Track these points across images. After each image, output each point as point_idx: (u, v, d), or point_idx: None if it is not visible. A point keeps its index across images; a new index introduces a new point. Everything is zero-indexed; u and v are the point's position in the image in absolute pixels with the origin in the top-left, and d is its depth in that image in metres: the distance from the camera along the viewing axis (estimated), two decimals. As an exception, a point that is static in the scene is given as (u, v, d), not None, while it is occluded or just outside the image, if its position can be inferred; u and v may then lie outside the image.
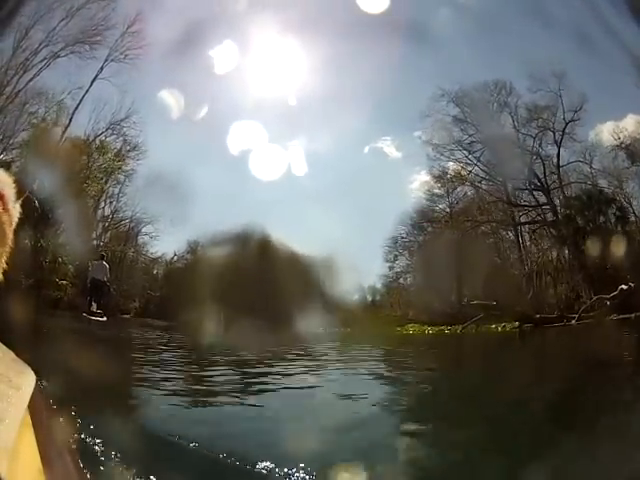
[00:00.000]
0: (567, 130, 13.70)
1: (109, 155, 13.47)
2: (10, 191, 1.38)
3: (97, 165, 13.49)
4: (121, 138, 13.50)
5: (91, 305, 13.30)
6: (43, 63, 12.47)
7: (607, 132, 13.45)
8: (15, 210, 1.40)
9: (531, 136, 13.82)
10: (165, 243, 14.34)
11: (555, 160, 13.78)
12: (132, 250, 14.40)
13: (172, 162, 12.40)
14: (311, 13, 11.57)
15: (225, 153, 12.06)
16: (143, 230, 14.23)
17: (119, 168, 13.52)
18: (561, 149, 13.75)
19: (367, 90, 12.34)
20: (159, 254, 14.47)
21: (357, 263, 13.81)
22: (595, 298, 11.57)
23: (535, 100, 13.76)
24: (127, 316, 14.08)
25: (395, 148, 14.54)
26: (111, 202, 14.04)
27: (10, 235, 1.36)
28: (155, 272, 15.00)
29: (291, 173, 11.42)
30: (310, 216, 12.47)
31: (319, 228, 12.23)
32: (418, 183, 14.56)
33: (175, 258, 14.68)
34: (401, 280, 14.96)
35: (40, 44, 12.50)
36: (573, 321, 11.83)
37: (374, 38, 10.85)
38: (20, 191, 1.43)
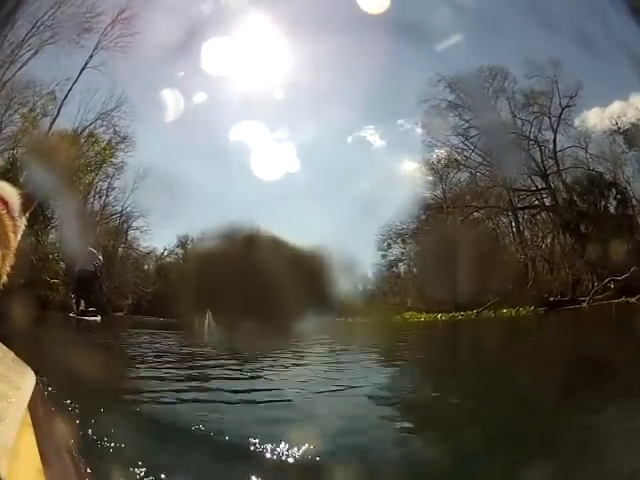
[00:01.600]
0: (563, 116, 13.65)
1: (100, 145, 13.04)
2: (15, 201, 1.46)
3: (87, 156, 13.05)
4: (111, 129, 13.09)
5: (79, 303, 12.59)
6: (31, 52, 12.03)
7: (604, 117, 13.44)
8: (21, 220, 1.47)
9: (528, 121, 13.72)
10: (155, 238, 14.02)
11: (551, 146, 13.72)
12: (123, 245, 13.97)
13: (161, 157, 12.55)
14: (303, 10, 11.48)
15: (212, 148, 12.68)
16: (133, 225, 13.84)
17: (110, 158, 13.08)
18: (558, 135, 13.71)
19: (351, 80, 12.21)
20: (150, 249, 14.10)
21: (349, 253, 13.80)
22: (608, 280, 11.49)
23: (531, 85, 13.68)
24: (120, 314, 13.60)
25: (379, 137, 14.41)
26: (100, 196, 13.62)
27: (14, 240, 1.43)
28: (146, 268, 14.61)
29: (278, 167, 11.56)
30: (298, 208, 12.42)
31: (308, 220, 12.37)
32: (408, 170, 14.55)
33: (165, 253, 14.32)
34: (395, 269, 14.80)
35: (27, 34, 12.10)
36: (584, 304, 11.87)
37: (358, 32, 10.88)
38: (27, 204, 1.51)
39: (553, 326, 11.62)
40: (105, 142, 13.07)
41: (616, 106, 13.15)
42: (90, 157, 13.09)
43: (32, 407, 1.21)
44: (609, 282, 11.45)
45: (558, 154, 13.68)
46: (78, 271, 12.62)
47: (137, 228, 13.79)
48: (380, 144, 14.44)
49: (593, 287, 12.35)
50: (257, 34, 11.37)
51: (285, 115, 12.82)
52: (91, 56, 12.34)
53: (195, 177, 12.28)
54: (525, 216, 13.94)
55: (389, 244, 14.43)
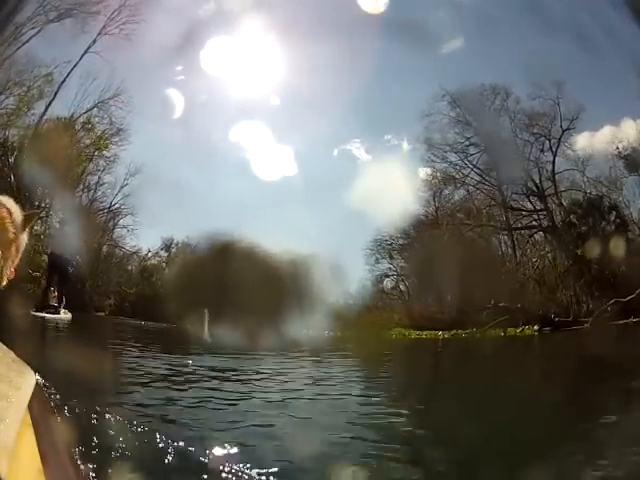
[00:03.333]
0: (562, 138, 13.62)
1: (95, 133, 12.70)
2: (18, 215, 1.48)
3: (81, 145, 12.68)
4: (107, 119, 12.75)
5: (48, 294, 11.65)
6: (35, 31, 11.80)
7: (603, 140, 13.41)
8: (22, 235, 1.48)
9: (529, 142, 13.64)
10: (141, 238, 13.58)
11: (550, 167, 13.64)
12: (108, 243, 13.48)
13: (152, 155, 12.36)
14: (295, 17, 11.51)
15: (201, 150, 12.11)
16: (120, 222, 13.41)
17: (105, 148, 12.71)
18: (557, 157, 13.66)
19: (340, 92, 11.88)
20: (136, 249, 13.62)
21: (334, 265, 13.56)
22: (612, 301, 11.28)
23: (533, 106, 13.65)
24: (101, 314, 13.02)
25: (365, 151, 14.34)
26: (89, 190, 13.19)
27: (15, 249, 1.43)
28: (130, 268, 14.11)
29: (266, 173, 11.37)
30: (284, 217, 12.28)
31: (294, 227, 12.12)
32: (396, 186, 14.37)
33: (149, 254, 13.84)
34: (382, 284, 14.47)
35: (33, 13, 11.90)
36: (586, 324, 11.69)
37: (351, 43, 11.14)
38: (28, 221, 1.52)
39: (560, 347, 11.33)
40: (100, 131, 12.74)
41: (615, 129, 13.17)
42: (84, 146, 12.72)
43: (32, 407, 1.21)
44: (614, 303, 11.22)
45: (556, 175, 13.62)
46: (50, 254, 11.83)
47: (124, 226, 13.35)
48: (366, 158, 14.38)
49: (589, 308, 12.18)
50: (249, 38, 11.42)
51: (275, 122, 12.61)
52: (94, 41, 12.14)
53: (181, 178, 12.24)
54: (519, 237, 13.77)
55: (377, 259, 14.17)
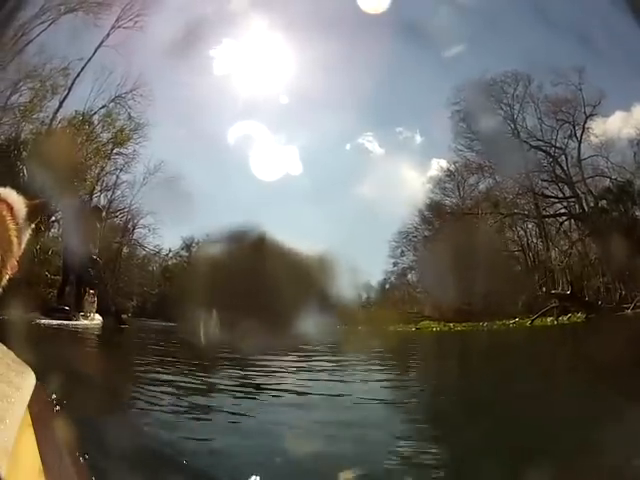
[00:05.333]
0: (587, 124, 13.40)
1: (115, 127, 12.29)
2: (21, 208, 1.50)
3: (99, 140, 12.28)
4: (125, 113, 12.36)
5: (62, 295, 10.57)
6: (46, 24, 11.38)
7: (626, 126, 13.20)
8: (26, 227, 1.48)
9: (554, 129, 13.41)
10: (162, 238, 13.25)
11: (575, 153, 13.41)
12: (130, 243, 13.09)
13: (167, 154, 12.24)
14: (303, 13, 11.44)
15: (214, 150, 12.15)
16: (141, 222, 13.04)
17: (126, 142, 12.30)
18: (582, 143, 13.43)
19: (349, 86, 11.96)
20: (158, 249, 13.26)
21: (352, 260, 13.38)
22: None
23: (557, 93, 13.41)
24: (124, 316, 12.63)
25: (378, 144, 13.97)
26: (107, 190, 12.78)
27: (17, 245, 1.45)
28: (151, 269, 13.76)
29: (279, 171, 11.12)
30: (302, 215, 12.14)
31: (309, 225, 12.03)
32: (415, 177, 14.27)
33: (170, 254, 13.53)
34: (407, 276, 14.25)
35: (41, 7, 11.51)
36: (628, 310, 11.54)
37: (359, 37, 10.88)
38: (35, 213, 1.55)
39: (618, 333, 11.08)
40: (119, 126, 12.35)
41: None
42: (102, 143, 12.32)
43: (32, 407, 1.20)
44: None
45: (582, 162, 13.40)
46: (64, 249, 10.86)
47: (145, 226, 12.98)
48: (379, 152, 14.07)
49: (621, 295, 12.15)
50: (259, 37, 11.38)
51: (284, 119, 12.50)
52: (108, 34, 11.79)
53: (194, 177, 12.15)
54: (545, 225, 13.55)
55: (402, 251, 13.92)
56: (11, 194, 1.46)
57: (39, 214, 1.54)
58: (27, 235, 1.49)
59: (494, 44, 12.08)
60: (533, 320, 11.92)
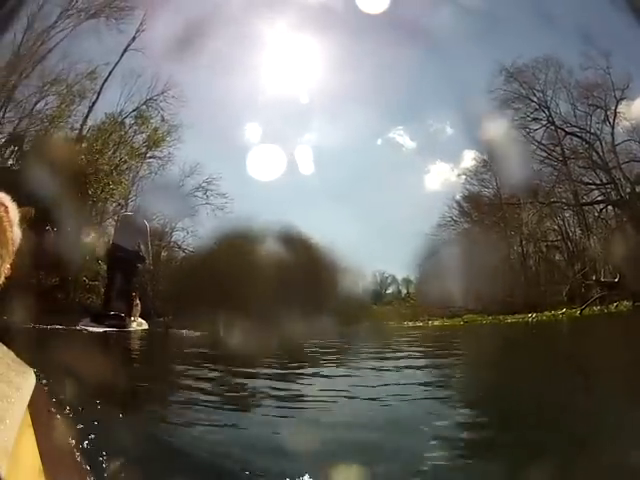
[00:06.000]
0: (617, 109, 13.25)
1: (149, 127, 12.14)
2: (13, 210, 1.44)
3: (134, 142, 12.14)
4: (158, 115, 12.21)
5: (110, 300, 9.85)
6: (66, 32, 11.29)
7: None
8: (17, 229, 1.44)
9: (587, 114, 13.27)
10: (199, 240, 13.09)
11: (610, 139, 13.27)
12: (169, 246, 12.92)
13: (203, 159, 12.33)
14: (330, 10, 11.49)
15: (238, 150, 12.08)
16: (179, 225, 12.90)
17: (163, 141, 12.15)
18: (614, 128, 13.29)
19: (375, 83, 12.17)
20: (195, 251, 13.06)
21: (390, 258, 13.31)
22: None
23: (587, 77, 13.26)
24: (161, 319, 12.43)
25: (409, 138, 14.13)
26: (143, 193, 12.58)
27: (11, 243, 1.40)
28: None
29: (314, 170, 11.27)
30: (335, 211, 11.94)
31: (341, 224, 11.88)
32: (448, 169, 14.25)
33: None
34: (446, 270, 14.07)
35: (61, 13, 11.40)
36: None
37: (379, 35, 10.86)
38: (23, 218, 1.49)
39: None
40: (153, 127, 12.22)
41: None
42: (137, 146, 12.18)
43: (32, 407, 1.20)
44: None
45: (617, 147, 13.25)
46: (112, 247, 10.20)
47: (183, 228, 12.84)
48: (410, 145, 14.20)
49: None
50: (285, 36, 11.46)
51: (314, 118, 12.89)
52: (134, 38, 11.74)
53: (226, 176, 12.61)
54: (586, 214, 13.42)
55: (442, 243, 13.78)
56: (6, 197, 1.44)
57: (27, 219, 1.53)
58: (19, 237, 1.46)
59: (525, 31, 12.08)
60: (582, 309, 11.73)
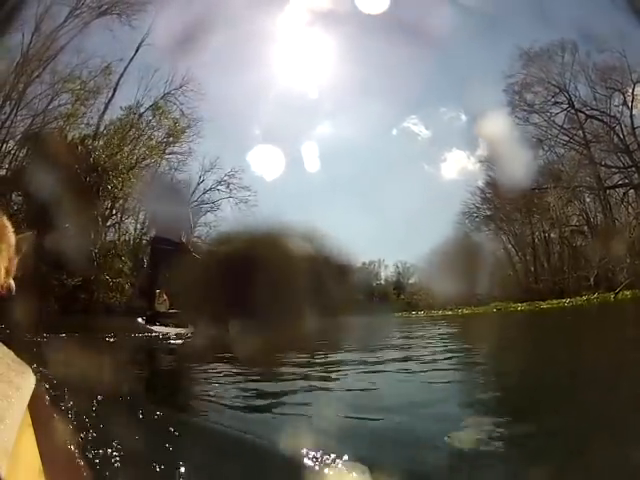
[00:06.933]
0: (635, 91, 13.19)
1: (168, 120, 11.95)
2: (11, 233, 1.40)
3: (154, 137, 11.95)
4: (176, 110, 12.01)
5: (153, 297, 8.89)
6: (78, 30, 11.20)
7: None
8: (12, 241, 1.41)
9: (606, 97, 13.19)
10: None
11: (629, 121, 13.19)
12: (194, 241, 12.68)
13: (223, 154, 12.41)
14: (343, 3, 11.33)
15: (252, 145, 12.62)
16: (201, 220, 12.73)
17: (183, 133, 11.97)
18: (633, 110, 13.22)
19: (386, 75, 12.26)
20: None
21: (407, 246, 13.22)
22: None
23: (604, 60, 13.17)
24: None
25: (424, 126, 14.10)
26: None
27: (10, 235, 1.39)
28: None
29: (332, 162, 11.77)
30: (351, 205, 12.21)
31: (360, 216, 11.97)
32: (464, 156, 14.25)
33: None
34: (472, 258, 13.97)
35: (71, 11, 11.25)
36: None
37: (389, 30, 10.80)
38: (19, 247, 1.45)
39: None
40: (172, 120, 12.04)
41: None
42: (156, 142, 11.99)
43: (32, 407, 1.20)
44: None
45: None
46: (154, 239, 9.56)
47: (205, 224, 12.68)
48: (426, 134, 14.17)
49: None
50: (298, 31, 11.56)
51: (320, 112, 12.97)
52: (148, 33, 11.57)
53: (247, 171, 12.68)
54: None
55: (466, 232, 13.70)
56: (3, 217, 1.42)
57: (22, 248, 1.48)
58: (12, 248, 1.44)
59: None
60: (616, 293, 11.61)
